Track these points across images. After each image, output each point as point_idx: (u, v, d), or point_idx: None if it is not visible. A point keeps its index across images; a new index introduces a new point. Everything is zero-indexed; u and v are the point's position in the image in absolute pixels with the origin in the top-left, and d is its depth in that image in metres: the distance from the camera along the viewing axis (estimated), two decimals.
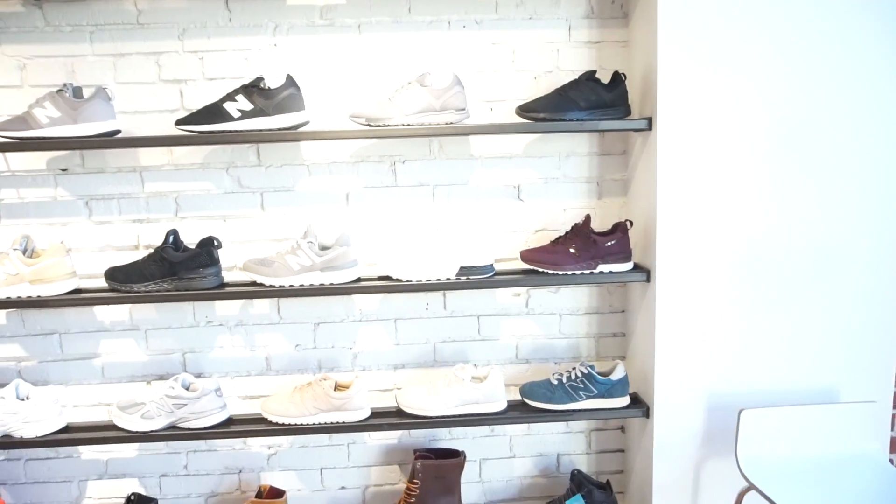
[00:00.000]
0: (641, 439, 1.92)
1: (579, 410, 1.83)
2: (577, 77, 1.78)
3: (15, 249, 1.77)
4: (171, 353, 2.00)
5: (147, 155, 1.92)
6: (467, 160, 1.95)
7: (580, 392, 1.81)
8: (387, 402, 1.95)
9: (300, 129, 1.75)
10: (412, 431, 2.04)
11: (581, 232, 1.79)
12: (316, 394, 1.81)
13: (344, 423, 1.83)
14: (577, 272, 1.79)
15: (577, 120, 1.73)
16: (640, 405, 1.86)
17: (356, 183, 1.95)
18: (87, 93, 1.76)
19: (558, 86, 1.79)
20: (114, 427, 1.83)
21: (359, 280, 1.82)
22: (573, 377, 1.82)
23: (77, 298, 1.80)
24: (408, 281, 1.78)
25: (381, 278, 1.84)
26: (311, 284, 1.77)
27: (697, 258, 1.76)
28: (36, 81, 1.87)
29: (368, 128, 1.73)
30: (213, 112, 1.72)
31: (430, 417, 1.82)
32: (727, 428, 1.79)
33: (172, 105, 1.90)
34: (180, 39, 1.88)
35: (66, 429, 1.87)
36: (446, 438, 2.06)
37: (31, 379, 1.97)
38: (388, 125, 1.72)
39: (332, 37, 1.89)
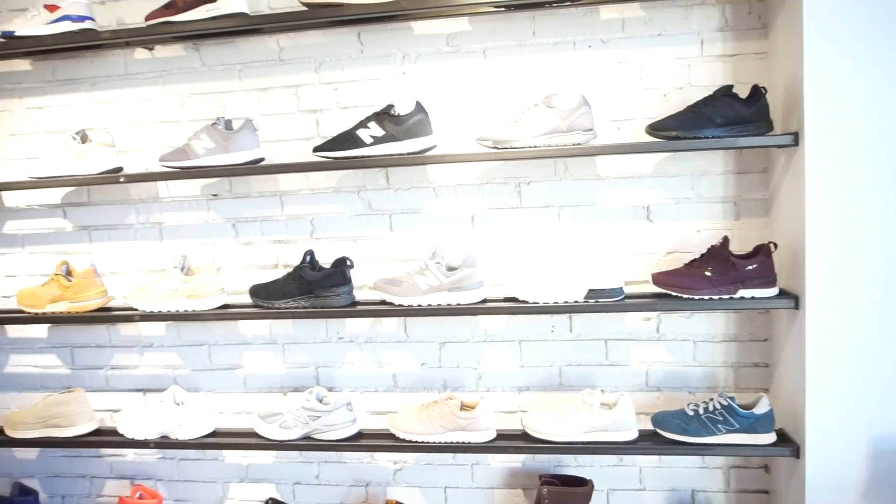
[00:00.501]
0: (790, 482, 1.76)
1: (718, 445, 1.71)
2: (711, 93, 1.70)
3: (175, 268, 1.96)
4: (306, 366, 2.11)
5: (286, 180, 2.06)
6: (594, 181, 1.91)
7: (719, 425, 1.70)
8: (510, 424, 1.94)
9: (428, 153, 1.81)
10: (537, 456, 2.01)
11: (718, 254, 1.69)
12: (442, 412, 1.83)
13: (469, 443, 1.83)
14: (715, 297, 1.69)
15: (714, 137, 1.65)
16: (788, 443, 1.71)
17: (481, 204, 1.97)
18: (236, 125, 1.92)
19: (690, 103, 1.72)
20: (254, 434, 1.96)
21: (485, 301, 1.83)
22: (711, 408, 1.71)
23: (225, 313, 1.96)
24: (534, 303, 1.76)
25: (506, 299, 1.84)
26: (439, 304, 1.80)
27: (853, 283, 1.60)
28: (193, 116, 2.08)
29: (495, 150, 1.75)
30: (347, 139, 1.81)
31: (557, 443, 1.78)
32: (895, 475, 1.60)
33: (309, 133, 2.03)
34: (317, 72, 2.01)
35: (214, 433, 2.02)
36: (572, 465, 2.01)
37: (185, 386, 2.15)
38: (515, 147, 1.73)
39: (458, 63, 1.93)
